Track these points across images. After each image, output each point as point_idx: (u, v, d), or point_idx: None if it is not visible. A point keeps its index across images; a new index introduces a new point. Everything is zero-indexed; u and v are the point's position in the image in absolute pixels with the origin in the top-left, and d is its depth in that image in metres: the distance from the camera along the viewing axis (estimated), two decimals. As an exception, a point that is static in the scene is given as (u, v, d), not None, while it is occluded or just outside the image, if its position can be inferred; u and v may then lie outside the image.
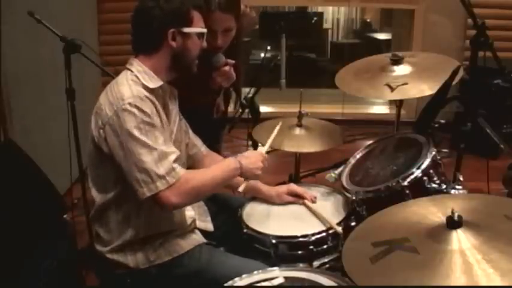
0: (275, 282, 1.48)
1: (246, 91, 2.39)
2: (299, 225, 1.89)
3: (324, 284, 1.46)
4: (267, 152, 1.92)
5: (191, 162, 1.96)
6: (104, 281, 1.87)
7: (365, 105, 5.28)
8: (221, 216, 2.01)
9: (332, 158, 2.59)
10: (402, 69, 2.18)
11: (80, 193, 2.50)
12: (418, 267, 1.15)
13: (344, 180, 2.00)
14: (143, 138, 1.58)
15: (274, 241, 1.82)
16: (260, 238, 1.84)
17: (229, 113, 2.57)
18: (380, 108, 5.30)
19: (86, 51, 2.33)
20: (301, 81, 3.90)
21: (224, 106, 2.56)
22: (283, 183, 2.22)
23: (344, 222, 1.87)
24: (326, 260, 1.82)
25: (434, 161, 1.80)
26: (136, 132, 1.58)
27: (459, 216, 1.20)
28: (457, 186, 1.73)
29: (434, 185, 1.76)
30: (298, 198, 2.03)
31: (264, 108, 2.61)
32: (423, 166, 1.77)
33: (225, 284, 1.53)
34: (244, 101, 2.31)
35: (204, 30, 1.75)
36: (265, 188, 2.06)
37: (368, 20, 7.67)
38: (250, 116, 2.35)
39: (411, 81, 2.09)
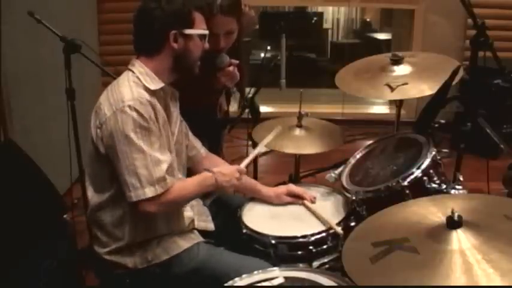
0: (275, 282, 1.48)
1: (246, 91, 2.40)
2: (299, 225, 1.89)
3: (324, 284, 1.46)
4: (264, 153, 1.92)
5: (190, 164, 1.96)
6: (103, 281, 1.87)
7: (365, 105, 5.28)
8: (221, 216, 2.01)
9: (332, 158, 2.59)
10: (402, 69, 2.18)
11: (80, 193, 2.50)
12: (418, 267, 1.15)
13: (344, 180, 2.00)
14: (139, 142, 1.58)
15: (273, 241, 1.82)
16: (260, 238, 1.84)
17: (231, 113, 2.57)
18: (380, 108, 5.30)
19: (86, 51, 2.33)
20: (301, 81, 3.90)
21: (226, 106, 2.56)
22: (283, 183, 2.22)
23: (344, 222, 1.87)
24: (326, 260, 1.82)
25: (434, 161, 1.80)
26: (132, 136, 1.58)
27: (459, 216, 1.20)
28: (457, 186, 1.73)
29: (434, 185, 1.76)
30: (297, 199, 2.03)
31: (264, 108, 2.62)
32: (423, 166, 1.77)
33: (225, 284, 1.53)
34: (244, 101, 2.31)
35: (206, 31, 1.75)
36: (264, 189, 2.06)
37: (368, 20, 7.67)
38: (250, 116, 2.35)
39: (411, 81, 2.09)
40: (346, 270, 1.25)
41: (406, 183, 1.75)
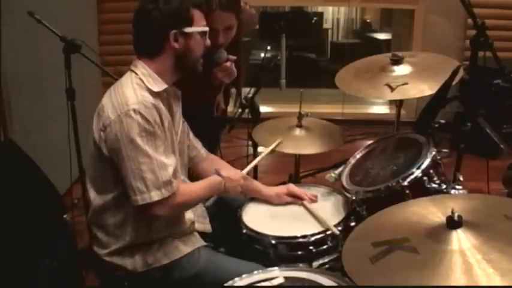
0: (275, 282, 1.48)
1: (246, 91, 2.40)
2: (299, 225, 1.89)
3: (324, 284, 1.46)
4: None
5: (191, 164, 1.96)
6: (103, 282, 1.87)
7: (365, 105, 5.28)
8: (221, 216, 2.01)
9: (332, 158, 2.59)
10: (402, 69, 2.18)
11: (80, 193, 2.50)
12: (418, 267, 1.15)
13: (344, 180, 2.00)
14: (144, 146, 1.58)
15: (273, 242, 1.82)
16: (260, 239, 1.84)
17: (229, 113, 2.57)
18: (380, 108, 5.30)
19: (86, 51, 2.33)
20: (301, 81, 3.89)
21: (224, 104, 2.56)
22: (283, 183, 2.22)
23: (344, 223, 1.87)
24: (326, 260, 1.82)
25: (434, 161, 1.80)
26: (138, 140, 1.58)
27: (459, 216, 1.20)
28: (457, 186, 1.73)
29: (434, 185, 1.76)
30: (297, 199, 2.03)
31: (264, 108, 2.62)
32: (423, 166, 1.77)
33: (225, 284, 1.53)
34: (244, 101, 2.31)
35: (206, 28, 1.74)
36: (264, 189, 2.06)
37: (368, 20, 7.66)
38: (250, 116, 2.35)
39: (411, 81, 2.09)
40: (346, 270, 1.25)
41: (406, 183, 1.75)
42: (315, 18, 7.12)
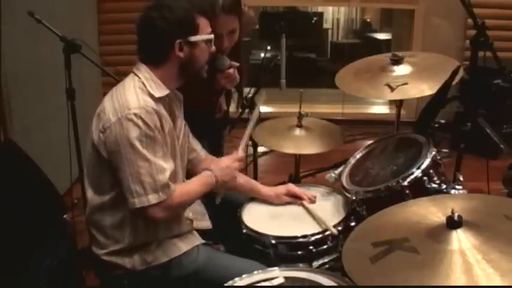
0: (275, 282, 1.48)
1: (246, 91, 2.40)
2: (299, 225, 1.89)
3: (324, 284, 1.46)
4: (264, 153, 1.93)
5: (190, 166, 1.96)
6: (103, 281, 1.87)
7: (365, 105, 5.28)
8: (220, 216, 2.01)
9: (332, 158, 2.59)
10: (402, 69, 2.17)
11: (80, 193, 2.50)
12: (418, 267, 1.15)
13: (344, 180, 2.00)
14: (143, 150, 1.58)
15: (273, 241, 1.82)
16: (259, 238, 1.84)
17: (231, 114, 2.57)
18: (380, 108, 5.30)
19: (86, 51, 2.33)
20: (301, 81, 3.89)
21: (225, 105, 2.56)
22: (283, 183, 2.22)
23: (344, 223, 1.87)
24: (326, 260, 1.82)
25: (434, 161, 1.80)
26: (137, 144, 1.58)
27: (459, 216, 1.20)
28: (457, 186, 1.73)
29: (434, 185, 1.76)
30: (296, 199, 2.03)
31: (264, 108, 2.62)
32: (423, 166, 1.77)
33: (225, 284, 1.53)
34: (244, 101, 2.31)
35: (211, 36, 1.73)
36: (264, 189, 2.06)
37: (368, 20, 7.66)
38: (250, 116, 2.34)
39: (411, 81, 2.09)
40: (346, 270, 1.25)
41: (406, 183, 1.75)
42: (315, 18, 7.12)
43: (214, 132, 2.40)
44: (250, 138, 2.36)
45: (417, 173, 1.76)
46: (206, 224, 1.94)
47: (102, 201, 1.71)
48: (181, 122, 1.85)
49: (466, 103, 2.44)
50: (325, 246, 1.82)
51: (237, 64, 2.08)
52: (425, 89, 2.03)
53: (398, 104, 2.47)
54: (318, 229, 1.84)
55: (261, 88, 2.19)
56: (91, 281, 2.21)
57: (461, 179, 1.79)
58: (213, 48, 1.76)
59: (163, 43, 1.65)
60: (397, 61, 2.18)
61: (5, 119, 2.80)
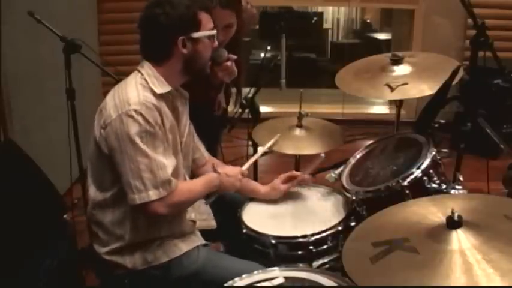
0: (275, 282, 1.48)
1: (246, 91, 2.39)
2: (298, 225, 1.89)
3: (324, 284, 1.46)
4: (264, 153, 1.94)
5: (193, 167, 1.96)
6: (103, 281, 1.87)
7: (365, 105, 5.28)
8: (221, 216, 2.01)
9: (332, 158, 2.58)
10: (402, 69, 2.17)
11: (80, 193, 2.50)
12: (418, 267, 1.15)
13: (344, 180, 2.00)
14: (143, 146, 1.58)
15: (273, 241, 1.82)
16: (259, 238, 1.84)
17: (229, 113, 2.57)
18: (380, 108, 5.30)
19: (86, 51, 2.33)
20: (301, 81, 3.89)
21: (225, 103, 2.56)
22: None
23: (344, 223, 1.88)
24: (326, 260, 1.82)
25: (434, 161, 1.80)
26: (137, 140, 1.58)
27: (459, 216, 1.20)
28: (457, 186, 1.73)
29: (434, 185, 1.76)
30: (292, 182, 2.06)
31: (264, 108, 2.62)
32: (423, 166, 1.77)
33: (225, 284, 1.53)
34: (244, 101, 2.31)
35: (214, 32, 1.73)
36: (261, 188, 2.07)
37: (368, 20, 7.66)
38: (250, 116, 2.35)
39: (411, 81, 2.09)
40: (346, 270, 1.25)
41: (406, 183, 1.75)
42: (315, 18, 7.12)
43: (212, 131, 2.40)
44: (250, 138, 2.36)
45: (417, 173, 1.76)
46: (212, 223, 1.94)
47: (104, 197, 1.71)
48: (186, 120, 1.84)
49: (466, 103, 2.44)
50: (325, 246, 1.83)
51: (235, 57, 2.07)
52: (425, 89, 2.03)
53: (398, 104, 2.47)
54: (317, 229, 1.84)
55: (261, 88, 2.18)
56: (91, 281, 2.21)
57: (461, 179, 1.79)
58: (216, 43, 1.75)
59: (166, 40, 1.65)
60: (397, 61, 2.18)
61: (5, 119, 2.80)
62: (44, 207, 2.14)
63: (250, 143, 2.41)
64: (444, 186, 1.75)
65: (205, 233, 1.89)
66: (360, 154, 2.14)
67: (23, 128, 2.91)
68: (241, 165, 1.97)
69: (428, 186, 1.75)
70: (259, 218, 1.96)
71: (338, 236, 1.83)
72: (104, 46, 4.28)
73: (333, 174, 2.05)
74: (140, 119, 1.58)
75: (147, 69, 1.68)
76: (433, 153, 1.82)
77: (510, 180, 2.77)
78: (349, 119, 4.71)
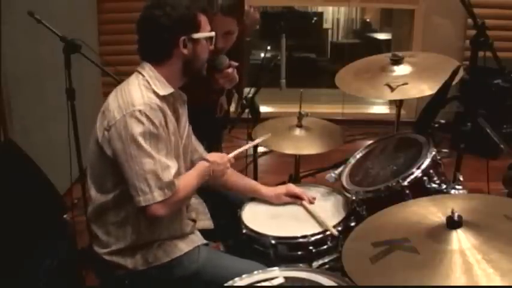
0: (275, 282, 1.48)
1: (246, 91, 2.39)
2: (298, 225, 1.89)
3: (324, 284, 1.46)
4: (264, 153, 1.93)
5: (191, 167, 1.96)
6: (103, 281, 1.87)
7: (365, 105, 5.27)
8: (221, 216, 2.01)
9: (332, 158, 2.59)
10: (402, 69, 2.18)
11: (80, 193, 2.50)
12: (418, 267, 1.15)
13: (344, 180, 2.00)
14: (147, 147, 1.58)
15: (273, 242, 1.82)
16: (259, 239, 1.84)
17: (230, 114, 2.57)
18: (380, 108, 5.30)
19: (86, 51, 2.33)
20: (301, 81, 3.89)
21: (226, 105, 2.56)
22: (283, 183, 2.22)
23: (344, 223, 1.87)
24: (326, 260, 1.82)
25: (434, 161, 1.80)
26: (141, 141, 1.58)
27: (459, 216, 1.20)
28: (457, 186, 1.73)
29: (434, 185, 1.76)
30: (296, 199, 2.03)
31: (264, 108, 2.62)
32: (423, 166, 1.77)
33: (225, 284, 1.53)
34: (244, 101, 2.31)
35: (212, 33, 1.74)
36: (264, 189, 2.06)
37: (368, 20, 7.66)
38: (250, 116, 2.35)
39: (411, 81, 2.09)
40: (346, 270, 1.25)
41: (406, 183, 1.75)
42: (315, 18, 7.12)
43: (214, 133, 2.40)
44: (250, 138, 2.36)
45: (417, 173, 1.76)
46: (208, 223, 1.94)
47: (105, 199, 1.71)
48: (185, 122, 1.85)
49: (466, 103, 2.45)
50: (325, 247, 1.82)
51: (236, 64, 2.07)
52: (425, 89, 2.03)
53: (398, 104, 2.47)
54: (317, 229, 1.84)
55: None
56: (91, 281, 2.21)
57: (461, 179, 1.79)
58: (212, 46, 1.76)
59: (167, 40, 1.65)
60: (397, 61, 2.18)
61: (5, 119, 2.80)
62: (44, 207, 2.14)
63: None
64: (444, 186, 1.75)
65: (206, 233, 1.89)
66: (360, 154, 2.14)
67: (23, 128, 2.91)
68: (242, 165, 1.96)
69: (428, 186, 1.75)
70: (259, 218, 1.96)
71: (338, 236, 1.83)
72: (104, 46, 4.28)
73: (333, 174, 2.05)
74: (144, 119, 1.58)
75: (148, 70, 1.68)
76: (433, 153, 1.82)
77: (510, 180, 2.77)
78: (349, 119, 4.71)
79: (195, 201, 1.93)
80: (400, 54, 2.20)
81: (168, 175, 1.61)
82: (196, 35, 1.67)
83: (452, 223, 1.20)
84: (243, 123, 2.37)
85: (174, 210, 1.71)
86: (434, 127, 2.08)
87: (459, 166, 2.22)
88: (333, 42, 7.49)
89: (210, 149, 2.10)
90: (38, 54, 3.04)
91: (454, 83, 1.94)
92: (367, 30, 7.43)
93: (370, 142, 2.18)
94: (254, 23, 2.39)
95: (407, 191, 1.74)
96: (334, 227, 1.84)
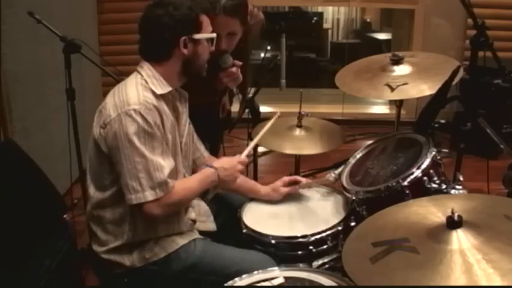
0: (275, 282, 1.49)
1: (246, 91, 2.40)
2: (299, 225, 1.89)
3: (324, 284, 1.46)
4: (264, 153, 1.93)
5: (194, 167, 1.96)
6: (102, 280, 1.88)
7: (365, 105, 5.27)
8: (221, 216, 2.01)
9: (332, 158, 2.59)
10: (402, 69, 2.18)
11: (80, 193, 2.50)
12: (418, 267, 1.15)
13: (344, 180, 2.00)
14: (141, 146, 1.59)
15: (273, 241, 1.82)
16: (260, 238, 1.84)
17: (233, 113, 2.57)
18: (380, 108, 5.29)
19: (86, 51, 2.33)
20: (301, 81, 3.90)
21: (229, 105, 2.56)
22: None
23: (344, 223, 1.87)
24: (326, 260, 1.82)
25: (434, 161, 1.80)
26: (135, 140, 1.58)
27: (459, 216, 1.20)
28: (457, 186, 1.73)
29: (434, 185, 1.76)
30: (294, 186, 2.04)
31: (264, 108, 2.62)
32: (423, 166, 1.77)
33: (225, 284, 1.53)
34: (244, 102, 2.31)
35: (214, 35, 1.75)
36: (262, 189, 2.07)
37: (368, 20, 7.66)
38: (250, 116, 2.35)
39: (411, 81, 2.09)
40: (346, 270, 1.25)
41: (406, 183, 1.75)
42: (315, 18, 7.12)
43: (215, 132, 2.40)
44: (250, 138, 2.36)
45: (417, 173, 1.76)
46: (211, 226, 1.94)
47: (103, 197, 1.72)
48: (185, 120, 1.85)
49: (466, 103, 2.44)
50: (325, 246, 1.83)
51: (240, 63, 2.07)
52: (425, 89, 2.03)
53: (398, 104, 2.47)
54: (317, 229, 1.84)
55: (262, 87, 2.17)
56: (91, 281, 2.21)
57: (461, 179, 1.78)
58: (213, 47, 1.77)
59: (168, 40, 1.65)
60: (397, 61, 2.19)
61: (5, 119, 2.80)
62: (44, 207, 2.14)
63: (250, 143, 2.40)
64: (444, 186, 1.75)
65: (206, 234, 1.89)
66: (360, 154, 2.14)
67: (23, 128, 2.91)
68: (245, 170, 1.95)
69: (428, 186, 1.75)
70: (259, 218, 1.96)
71: (338, 236, 1.83)
72: (104, 46, 4.27)
73: (333, 174, 2.05)
74: (139, 118, 1.58)
75: (147, 70, 1.69)
76: (433, 153, 1.82)
77: (510, 180, 2.77)
78: (349, 119, 4.71)
79: (197, 202, 1.93)
80: (400, 54, 2.20)
81: (160, 175, 1.61)
82: (197, 36, 1.68)
83: (452, 223, 1.20)
84: (243, 123, 2.37)
85: (170, 211, 1.71)
86: (434, 127, 2.08)
87: (459, 166, 2.22)
88: (333, 42, 7.49)
89: (211, 148, 2.10)
90: (38, 54, 3.04)
91: (454, 83, 1.94)
92: (367, 30, 7.43)
93: (370, 142, 2.18)
94: (259, 23, 2.39)
95: (407, 191, 1.74)
96: (334, 226, 1.84)
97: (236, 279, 1.54)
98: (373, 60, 2.39)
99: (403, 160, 1.92)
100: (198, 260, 1.76)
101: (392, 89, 2.08)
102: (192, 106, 1.90)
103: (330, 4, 6.53)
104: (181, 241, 1.78)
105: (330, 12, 7.50)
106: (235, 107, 2.56)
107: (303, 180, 2.04)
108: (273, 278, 1.51)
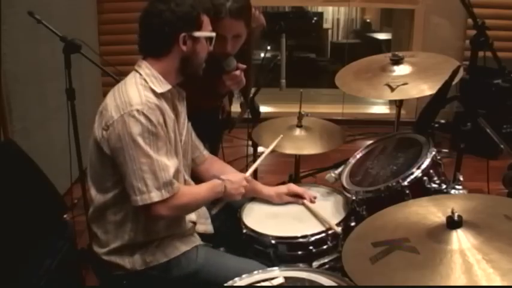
0: (275, 282, 1.49)
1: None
2: (299, 225, 1.89)
3: (324, 284, 1.46)
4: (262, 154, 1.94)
5: (193, 165, 1.96)
6: (102, 281, 1.87)
7: (365, 105, 5.27)
8: (221, 216, 2.01)
9: (332, 158, 2.59)
10: (402, 69, 2.18)
11: (80, 193, 2.50)
12: (418, 267, 1.15)
13: (344, 180, 2.00)
14: (146, 147, 1.59)
15: (273, 242, 1.82)
16: (260, 239, 1.84)
17: (232, 114, 2.56)
18: (380, 108, 5.29)
19: (86, 51, 2.33)
20: (301, 81, 3.89)
21: (229, 107, 2.55)
22: (283, 183, 2.22)
23: (344, 223, 1.87)
24: (326, 260, 1.82)
25: (434, 161, 1.80)
26: (140, 140, 1.58)
27: (459, 216, 1.20)
28: (457, 186, 1.73)
29: (434, 185, 1.76)
30: (297, 198, 2.03)
31: (264, 108, 2.62)
32: (423, 166, 1.77)
33: (225, 284, 1.53)
34: (246, 104, 2.31)
35: (213, 34, 1.75)
36: (265, 189, 2.06)
37: (368, 20, 7.66)
38: (250, 116, 2.35)
39: (411, 81, 2.09)
40: (346, 270, 1.25)
41: (406, 183, 1.75)
42: (315, 18, 7.12)
43: (215, 133, 2.40)
44: (250, 138, 2.36)
45: (417, 173, 1.76)
46: (209, 228, 1.94)
47: (104, 199, 1.72)
48: (184, 119, 1.85)
49: (466, 103, 2.44)
50: (325, 246, 1.82)
51: (244, 66, 2.07)
52: (425, 89, 2.03)
53: (398, 104, 2.47)
54: (318, 229, 1.84)
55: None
56: (91, 281, 2.21)
57: (461, 179, 1.78)
58: (211, 47, 1.76)
59: (168, 35, 1.65)
60: (397, 61, 2.19)
61: (5, 119, 2.80)
62: (44, 207, 2.14)
63: (250, 143, 2.41)
64: (444, 186, 1.75)
65: (206, 238, 1.89)
66: (360, 154, 2.14)
67: (23, 128, 2.91)
68: (242, 165, 1.97)
69: (428, 186, 1.75)
70: (259, 218, 1.96)
71: (338, 236, 1.83)
72: (104, 46, 4.27)
73: (333, 174, 2.05)
74: (142, 118, 1.58)
75: (145, 68, 1.69)
76: (433, 153, 1.82)
77: (510, 180, 2.77)
78: (349, 119, 4.71)
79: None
80: (400, 54, 2.20)
81: (166, 175, 1.61)
82: (197, 34, 1.68)
83: (452, 223, 1.20)
84: (243, 123, 2.37)
85: (177, 213, 1.72)
86: (434, 127, 2.08)
87: (459, 166, 2.22)
88: (333, 42, 7.49)
89: (211, 148, 2.10)
90: (38, 54, 3.04)
91: (454, 83, 1.94)
92: (367, 30, 7.43)
93: (370, 142, 2.18)
94: (260, 26, 2.39)
95: (407, 191, 1.74)
96: (337, 225, 1.84)
97: (236, 279, 1.54)
98: (373, 60, 2.39)
99: (403, 160, 1.92)
100: (200, 268, 1.76)
101: (392, 89, 2.08)
102: (194, 109, 1.90)
103: (330, 4, 6.53)
104: (182, 247, 1.77)
105: (330, 12, 7.50)
106: (235, 107, 2.56)
107: (308, 197, 2.02)
108: (273, 278, 1.51)
